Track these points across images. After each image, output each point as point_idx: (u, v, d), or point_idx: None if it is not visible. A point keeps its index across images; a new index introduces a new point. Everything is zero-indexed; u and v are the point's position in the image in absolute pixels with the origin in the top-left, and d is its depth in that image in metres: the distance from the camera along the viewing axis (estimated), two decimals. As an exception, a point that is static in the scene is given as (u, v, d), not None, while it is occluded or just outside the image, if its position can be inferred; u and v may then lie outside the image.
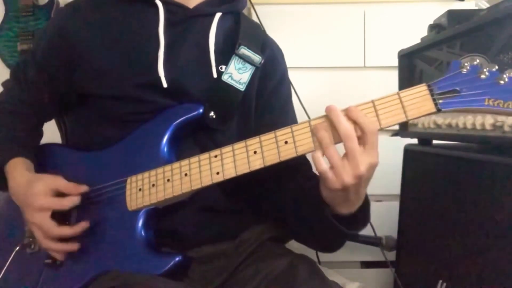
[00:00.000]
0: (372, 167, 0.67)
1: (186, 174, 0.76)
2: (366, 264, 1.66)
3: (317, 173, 0.70)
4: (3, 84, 0.99)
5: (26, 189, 0.81)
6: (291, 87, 1.06)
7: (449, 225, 1.00)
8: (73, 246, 0.81)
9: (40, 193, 0.80)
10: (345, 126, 0.65)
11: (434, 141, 1.17)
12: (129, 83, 0.84)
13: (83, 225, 0.81)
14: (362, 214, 0.75)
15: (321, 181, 0.70)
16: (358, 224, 0.77)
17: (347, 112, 0.67)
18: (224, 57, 0.89)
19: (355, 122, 0.66)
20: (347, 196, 0.70)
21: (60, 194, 0.81)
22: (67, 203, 0.80)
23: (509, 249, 0.81)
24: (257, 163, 0.72)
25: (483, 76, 0.64)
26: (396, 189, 1.28)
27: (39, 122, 0.99)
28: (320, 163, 0.67)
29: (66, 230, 0.80)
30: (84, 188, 0.82)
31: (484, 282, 0.87)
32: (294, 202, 0.83)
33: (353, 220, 0.74)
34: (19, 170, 0.86)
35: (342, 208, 0.73)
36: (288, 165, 0.72)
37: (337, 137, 0.67)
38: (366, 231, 1.52)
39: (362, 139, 0.66)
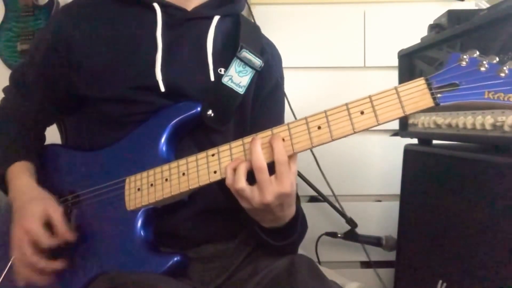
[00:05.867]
0: (280, 196, 0.70)
1: (184, 174, 0.76)
2: (366, 264, 1.66)
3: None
4: (4, 90, 0.99)
5: (25, 201, 0.81)
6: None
7: (449, 225, 1.00)
8: (43, 279, 0.79)
9: (34, 215, 0.78)
10: (257, 157, 0.69)
11: (434, 141, 1.17)
12: (127, 85, 0.84)
13: (59, 264, 0.80)
14: (290, 230, 0.79)
15: None
16: (287, 238, 0.81)
17: (269, 138, 0.70)
18: (223, 60, 0.89)
19: (271, 148, 0.69)
20: (263, 216, 0.75)
21: (50, 226, 0.79)
22: (47, 242, 0.78)
23: (510, 249, 0.81)
24: None
25: (483, 69, 0.63)
26: (396, 189, 1.28)
27: (40, 127, 0.99)
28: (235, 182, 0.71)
29: (41, 262, 0.78)
30: (71, 238, 0.80)
31: (484, 282, 0.87)
32: None
33: (279, 232, 0.79)
34: (21, 175, 0.86)
35: (264, 224, 0.78)
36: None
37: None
38: (366, 231, 1.53)
39: (273, 167, 0.69)
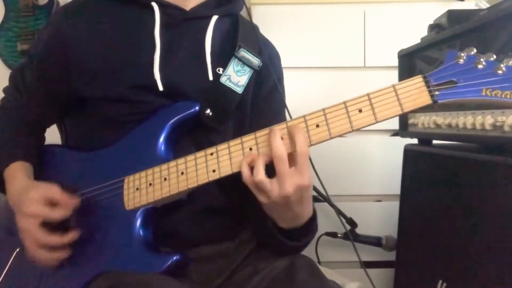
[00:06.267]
0: (300, 189, 0.69)
1: (182, 173, 0.76)
2: (366, 264, 1.65)
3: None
4: (4, 90, 0.99)
5: (21, 194, 0.81)
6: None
7: (449, 225, 1.00)
8: (62, 254, 0.80)
9: (33, 200, 0.79)
10: (278, 146, 0.68)
11: (434, 141, 1.17)
12: (125, 85, 0.84)
13: (73, 235, 0.80)
14: (305, 229, 0.79)
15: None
16: (301, 237, 0.80)
17: (288, 128, 0.69)
18: (222, 60, 0.89)
19: (292, 139, 0.68)
20: (280, 213, 0.74)
21: (53, 203, 0.80)
22: (56, 214, 0.78)
23: (510, 248, 0.81)
24: None
25: (480, 66, 0.63)
26: (396, 189, 1.28)
27: (39, 127, 0.99)
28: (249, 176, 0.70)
29: (55, 239, 0.78)
30: (77, 204, 0.81)
31: (484, 282, 0.87)
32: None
33: (296, 233, 0.78)
34: (17, 174, 0.86)
35: (281, 223, 0.77)
36: None
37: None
38: (366, 231, 1.53)
39: (293, 158, 0.68)
